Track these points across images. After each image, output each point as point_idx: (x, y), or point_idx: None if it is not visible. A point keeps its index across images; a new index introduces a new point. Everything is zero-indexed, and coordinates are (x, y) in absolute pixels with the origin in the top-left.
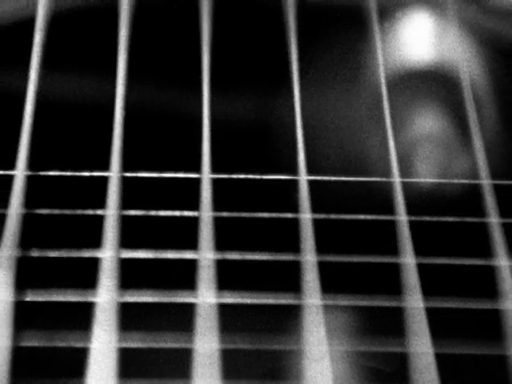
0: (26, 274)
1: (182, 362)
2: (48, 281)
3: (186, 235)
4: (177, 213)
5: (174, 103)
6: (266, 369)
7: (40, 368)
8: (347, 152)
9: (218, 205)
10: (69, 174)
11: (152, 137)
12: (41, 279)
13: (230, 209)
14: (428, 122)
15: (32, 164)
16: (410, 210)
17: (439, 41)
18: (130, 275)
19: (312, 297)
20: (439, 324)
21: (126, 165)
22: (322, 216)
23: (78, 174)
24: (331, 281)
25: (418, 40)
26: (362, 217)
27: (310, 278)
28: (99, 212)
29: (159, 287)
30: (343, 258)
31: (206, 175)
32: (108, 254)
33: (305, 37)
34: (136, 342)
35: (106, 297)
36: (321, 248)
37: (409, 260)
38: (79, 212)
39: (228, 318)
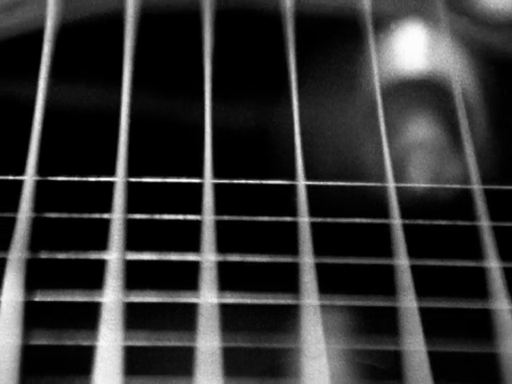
0: (36, 275)
1: (184, 359)
2: (56, 282)
3: (189, 238)
4: (180, 216)
5: (177, 111)
6: (265, 366)
7: (48, 365)
8: (343, 158)
9: (219, 209)
10: (76, 179)
11: (156, 143)
12: (49, 280)
13: (230, 212)
14: (421, 129)
15: (41, 169)
16: (404, 214)
17: (432, 51)
18: (135, 276)
19: (310, 297)
20: (432, 323)
21: (131, 170)
22: (320, 219)
23: (85, 179)
24: (328, 282)
25: (411, 50)
26: (357, 220)
27: (308, 279)
28: (105, 216)
29: (163, 288)
30: (340, 259)
31: (208, 180)
32: (114, 256)
33: (303, 48)
34: (141, 341)
35: (111, 297)
36: (318, 250)
37: (402, 262)
38: (86, 216)
39: (229, 317)
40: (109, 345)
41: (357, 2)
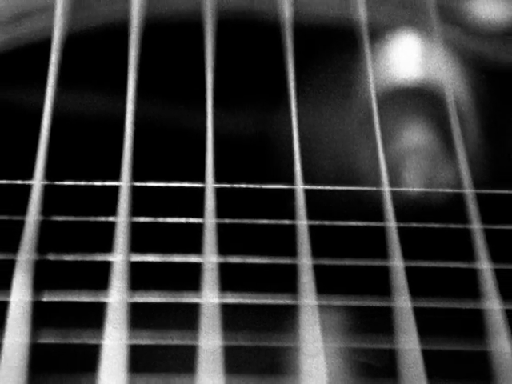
0: (43, 276)
1: (187, 357)
2: (63, 282)
3: (191, 240)
4: (183, 220)
5: (180, 118)
6: (265, 364)
7: (56, 363)
8: (340, 163)
9: (220, 212)
10: (82, 183)
11: (160, 149)
12: (57, 281)
13: (231, 216)
14: (415, 136)
15: (48, 174)
16: (399, 217)
17: (425, 60)
18: (140, 277)
19: (308, 297)
20: (426, 322)
21: (136, 175)
22: (317, 222)
23: (91, 183)
24: (325, 282)
25: (405, 60)
26: (354, 223)
27: (306, 280)
28: (111, 219)
29: (166, 288)
30: (337, 261)
31: (210, 185)
32: (119, 258)
33: (301, 57)
34: (145, 339)
35: (117, 297)
36: (316, 252)
37: (397, 263)
38: (92, 219)
39: (230, 316)
40: (114, 343)
41: (353, 13)
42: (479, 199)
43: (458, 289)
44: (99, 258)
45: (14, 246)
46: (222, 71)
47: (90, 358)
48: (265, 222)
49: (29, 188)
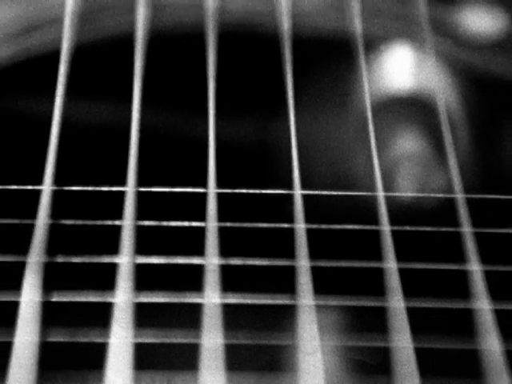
0: (53, 278)
1: (190, 355)
2: (72, 283)
3: (194, 243)
4: (185, 223)
5: (184, 126)
6: (264, 361)
7: (64, 361)
8: (337, 169)
9: (222, 216)
10: (90, 188)
11: (164, 156)
12: (65, 282)
13: (232, 219)
14: (408, 143)
15: (57, 180)
16: (392, 221)
17: (418, 71)
18: (144, 278)
19: (305, 297)
20: (418, 322)
21: (141, 180)
22: (315, 226)
23: (98, 188)
24: (322, 283)
25: (399, 70)
26: (349, 227)
27: (304, 281)
28: (117, 222)
29: (170, 289)
30: (333, 263)
31: (212, 190)
32: (125, 260)
33: (299, 67)
34: (149, 338)
35: (122, 298)
36: (313, 254)
37: (391, 265)
38: (99, 222)
39: (231, 316)
40: (120, 342)
41: (349, 26)
42: (469, 204)
43: (449, 289)
44: (106, 260)
45: (24, 248)
46: (224, 81)
47: (96, 356)
48: (264, 225)
49: (38, 193)
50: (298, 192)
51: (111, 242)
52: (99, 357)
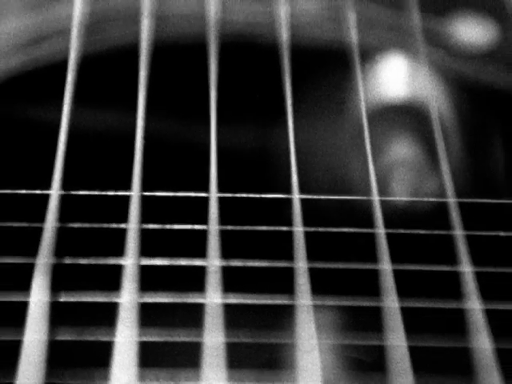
0: (60, 279)
1: (192, 353)
2: (79, 284)
3: (196, 245)
4: (188, 226)
5: (186, 133)
6: (264, 359)
7: (71, 358)
8: (333, 174)
9: (223, 219)
10: (96, 193)
11: (167, 162)
12: (73, 283)
13: (233, 223)
14: (402, 149)
15: (65, 184)
16: (387, 224)
17: (412, 80)
18: (149, 279)
19: (303, 298)
20: (412, 321)
21: (145, 185)
22: (312, 229)
23: (104, 193)
24: (320, 284)
25: (393, 79)
26: (346, 230)
27: (302, 282)
28: (122, 226)
29: (173, 290)
30: (330, 264)
31: (214, 194)
32: (130, 262)
33: (297, 76)
34: (153, 337)
35: (127, 298)
36: (311, 256)
37: (386, 266)
38: (105, 226)
39: (232, 315)
40: (125, 340)
41: (345, 36)
42: (461, 208)
43: (441, 290)
44: (111, 261)
45: (33, 250)
46: (225, 90)
47: (103, 354)
48: (264, 228)
49: (47, 197)
50: (296, 196)
51: (117, 244)
52: (105, 355)
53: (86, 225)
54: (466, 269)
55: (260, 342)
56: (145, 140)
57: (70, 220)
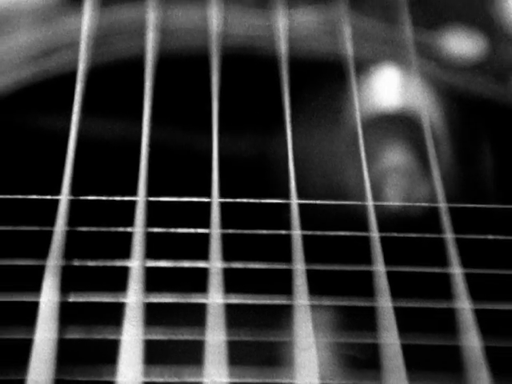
0: (70, 280)
1: (195, 351)
2: (87, 285)
3: (199, 248)
4: (191, 230)
5: (189, 141)
6: (264, 357)
7: (80, 356)
8: (330, 180)
9: (224, 223)
10: (104, 198)
11: (171, 168)
12: (81, 284)
13: (234, 227)
14: (395, 156)
15: (74, 190)
16: (381, 228)
17: (404, 90)
18: (154, 280)
19: (301, 298)
20: (405, 320)
21: (150, 191)
22: (310, 232)
23: (111, 198)
24: (317, 285)
25: (387, 90)
26: (341, 233)
27: (300, 283)
28: (128, 229)
29: (177, 290)
30: (327, 266)
31: (215, 199)
32: (136, 264)
33: (295, 87)
34: (158, 335)
35: (134, 298)
36: (308, 258)
37: (380, 268)
38: (112, 229)
39: (233, 315)
40: (131, 339)
41: (341, 49)
42: (451, 212)
43: (432, 291)
44: (118, 263)
45: (43, 252)
46: (226, 100)
47: (110, 352)
48: (263, 232)
49: (57, 202)
50: (294, 201)
51: (123, 247)
52: (112, 352)
53: (94, 228)
54: (456, 270)
55: (260, 341)
56: (150, 148)
57: (78, 224)
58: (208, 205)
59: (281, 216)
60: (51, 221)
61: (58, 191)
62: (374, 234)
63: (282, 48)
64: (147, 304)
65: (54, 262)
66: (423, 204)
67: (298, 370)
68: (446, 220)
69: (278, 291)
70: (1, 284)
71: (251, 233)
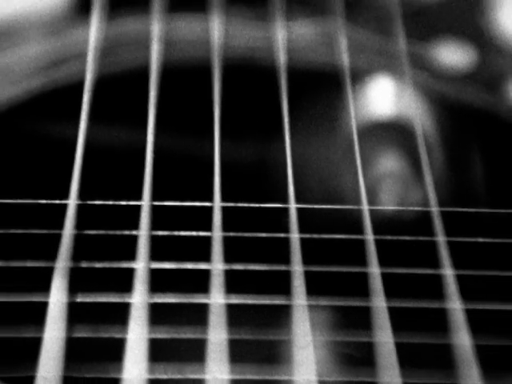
0: (77, 281)
1: (198, 349)
2: (94, 286)
3: (201, 250)
4: (194, 233)
5: (192, 148)
6: (263, 354)
7: (88, 354)
8: (327, 185)
9: (226, 227)
10: (110, 202)
11: (175, 174)
12: (89, 285)
13: (235, 230)
14: (389, 163)
15: (81, 195)
16: (375, 231)
17: (398, 99)
18: (158, 281)
19: (299, 298)
20: (398, 319)
21: (155, 195)
22: (307, 236)
23: (117, 202)
24: (314, 286)
25: (381, 99)
26: (338, 236)
27: (298, 284)
28: (134, 232)
29: (180, 291)
30: (323, 268)
31: (217, 204)
32: (141, 265)
33: (294, 96)
34: (162, 334)
35: (139, 298)
36: (306, 260)
37: (374, 270)
38: (118, 232)
39: (234, 314)
40: (136, 337)
41: (337, 60)
42: (443, 216)
43: (425, 291)
44: (124, 265)
45: (52, 255)
46: (228, 108)
47: (116, 349)
48: (263, 235)
49: (65, 206)
50: (292, 206)
51: (129, 249)
52: (118, 350)
53: (101, 232)
54: (448, 272)
55: (260, 339)
56: (154, 154)
57: (86, 227)
58: (210, 209)
59: (280, 220)
60: (60, 224)
61: (66, 196)
62: (369, 237)
63: (281, 58)
64: (152, 304)
65: (62, 264)
66: (416, 208)
67: (296, 367)
68: (437, 223)
69: (277, 292)
70: (12, 285)
71: (251, 236)
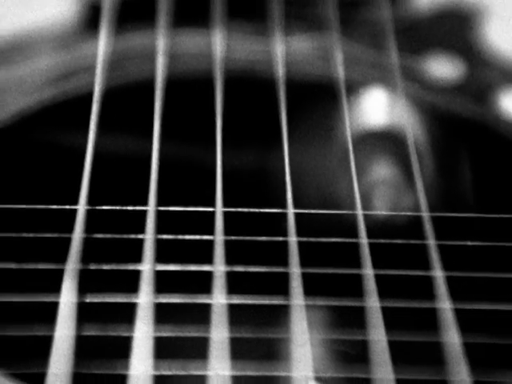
0: (86, 282)
1: (201, 346)
2: (102, 287)
3: (204, 253)
4: (197, 237)
5: (195, 156)
6: (263, 352)
7: (96, 351)
8: (323, 192)
9: (227, 231)
10: (117, 208)
11: (179, 180)
12: (97, 286)
13: (236, 234)
14: (382, 170)
15: (90, 200)
16: (369, 235)
17: (391, 110)
18: (163, 283)
19: (297, 298)
20: (391, 319)
21: (160, 201)
22: (305, 239)
23: (124, 208)
24: (311, 286)
25: (375, 109)
26: (333, 240)
27: (296, 285)
28: (140, 236)
29: (184, 291)
30: (320, 270)
31: (219, 209)
32: (147, 267)
33: (292, 107)
34: (167, 332)
35: (145, 299)
36: (304, 262)
37: (368, 271)
38: (125, 236)
39: (235, 314)
40: (142, 335)
41: (333, 72)
42: (433, 221)
43: (416, 292)
44: (131, 267)
45: (63, 257)
46: (229, 118)
47: (123, 347)
48: (263, 238)
49: (75, 212)
50: (290, 211)
51: (135, 252)
52: (125, 348)
53: (109, 235)
54: (438, 273)
55: (259, 337)
56: (159, 162)
57: (94, 231)
58: (212, 214)
59: (279, 224)
60: (70, 228)
61: (76, 201)
62: (363, 241)
63: (280, 71)
64: (157, 304)
65: (72, 266)
66: (408, 213)
67: (294, 364)
68: (428, 228)
69: (276, 292)
70: (24, 285)
71: (252, 239)
